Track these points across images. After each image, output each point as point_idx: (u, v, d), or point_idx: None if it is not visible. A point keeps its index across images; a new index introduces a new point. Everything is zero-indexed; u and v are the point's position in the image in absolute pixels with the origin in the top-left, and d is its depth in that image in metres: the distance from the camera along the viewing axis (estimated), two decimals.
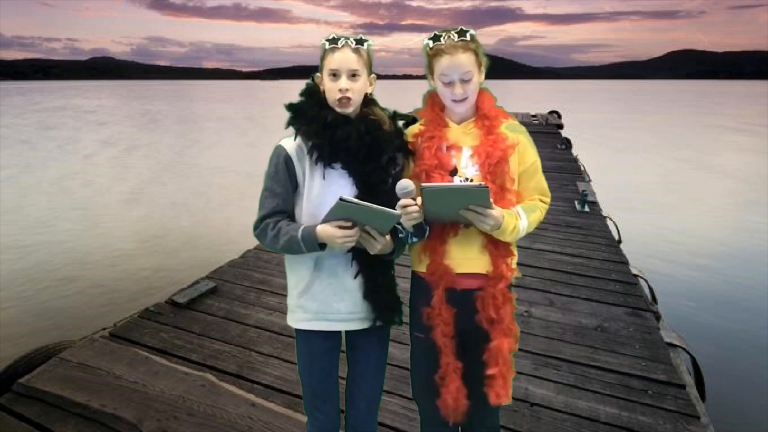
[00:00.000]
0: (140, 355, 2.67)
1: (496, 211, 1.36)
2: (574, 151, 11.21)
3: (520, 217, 1.45)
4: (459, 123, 1.51)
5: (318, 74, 1.47)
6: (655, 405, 2.38)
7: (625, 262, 4.29)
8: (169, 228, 8.12)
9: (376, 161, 1.44)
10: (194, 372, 2.53)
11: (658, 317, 3.39)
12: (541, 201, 1.55)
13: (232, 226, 8.04)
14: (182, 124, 28.79)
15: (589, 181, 7.96)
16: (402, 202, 1.35)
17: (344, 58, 1.40)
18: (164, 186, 11.42)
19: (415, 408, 2.34)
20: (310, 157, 1.43)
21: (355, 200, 1.29)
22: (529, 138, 1.53)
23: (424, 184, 1.32)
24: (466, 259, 1.48)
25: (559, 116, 19.54)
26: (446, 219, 1.44)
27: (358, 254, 1.46)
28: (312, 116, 1.42)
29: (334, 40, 1.41)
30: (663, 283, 5.32)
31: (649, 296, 4.14)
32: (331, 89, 1.41)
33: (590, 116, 33.19)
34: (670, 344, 2.99)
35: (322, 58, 1.44)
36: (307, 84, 1.49)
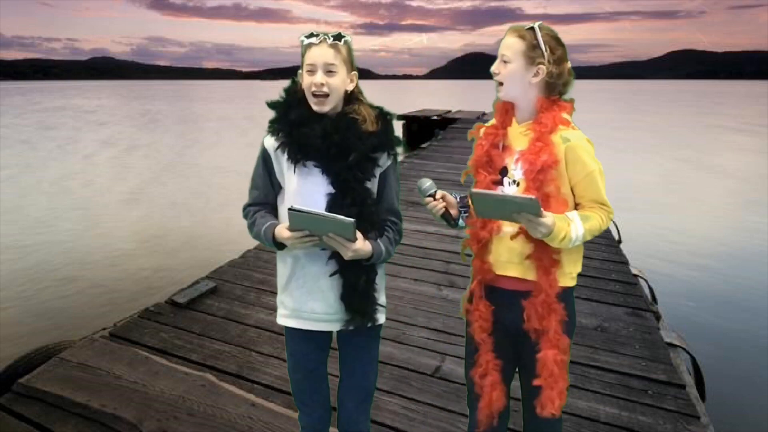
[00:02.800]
0: (140, 355, 2.67)
1: (548, 218, 1.32)
2: None
3: (574, 223, 1.38)
4: (520, 123, 1.49)
5: (300, 71, 1.47)
6: (655, 405, 2.38)
7: (625, 262, 4.29)
8: (169, 228, 8.12)
9: (345, 160, 1.42)
10: (194, 372, 2.53)
11: (658, 317, 3.39)
12: (602, 209, 1.45)
13: (232, 226, 8.03)
14: (182, 124, 28.78)
15: None
16: (425, 200, 1.50)
17: (320, 53, 1.40)
18: (164, 186, 11.41)
19: (415, 408, 2.34)
20: (282, 154, 1.46)
21: (305, 209, 1.29)
22: (587, 148, 1.43)
23: (473, 190, 1.35)
24: (508, 262, 1.48)
25: None
26: (499, 219, 1.46)
27: (335, 254, 1.45)
28: (281, 114, 1.46)
29: (311, 36, 1.41)
30: (663, 283, 5.31)
31: (649, 296, 4.14)
32: (307, 84, 1.42)
33: (590, 116, 33.17)
34: (670, 344, 2.99)
35: (302, 55, 1.44)
36: (292, 80, 1.50)
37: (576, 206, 1.47)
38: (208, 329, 3.09)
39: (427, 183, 1.51)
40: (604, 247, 4.65)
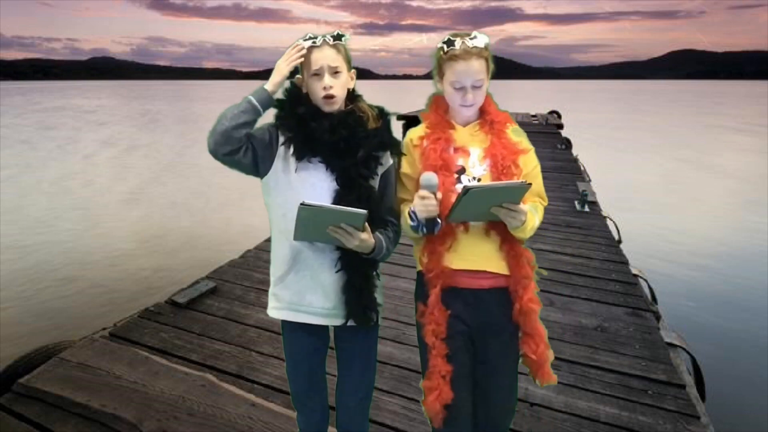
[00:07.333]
0: (140, 355, 2.67)
1: (525, 206, 1.39)
2: (574, 151, 11.21)
3: (535, 214, 1.48)
4: (464, 125, 1.53)
5: (298, 76, 1.48)
6: (655, 405, 2.38)
7: (625, 262, 4.29)
8: (169, 228, 8.12)
9: (354, 156, 1.43)
10: (194, 372, 2.53)
11: (658, 317, 3.39)
12: (540, 203, 1.58)
13: (232, 226, 8.04)
14: (182, 124, 28.79)
15: (589, 181, 7.96)
16: (421, 193, 1.37)
17: (324, 56, 1.41)
18: (164, 186, 11.42)
19: (415, 408, 2.35)
20: (286, 149, 1.45)
21: (317, 203, 1.29)
22: (529, 142, 1.58)
23: (469, 185, 1.31)
24: (480, 257, 1.48)
25: (559, 116, 19.53)
26: (472, 219, 1.46)
27: (339, 249, 1.46)
28: (288, 111, 1.45)
29: (311, 39, 1.42)
30: (663, 283, 5.32)
31: (649, 296, 4.14)
32: (316, 89, 1.42)
33: (590, 116, 33.19)
34: (670, 344, 2.99)
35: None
36: (290, 83, 1.50)
37: None
38: (208, 329, 3.09)
39: (435, 179, 1.39)
40: (604, 247, 4.65)
